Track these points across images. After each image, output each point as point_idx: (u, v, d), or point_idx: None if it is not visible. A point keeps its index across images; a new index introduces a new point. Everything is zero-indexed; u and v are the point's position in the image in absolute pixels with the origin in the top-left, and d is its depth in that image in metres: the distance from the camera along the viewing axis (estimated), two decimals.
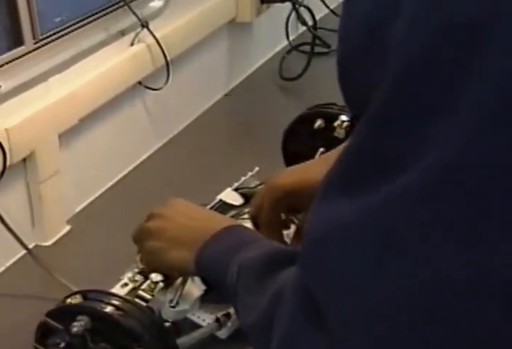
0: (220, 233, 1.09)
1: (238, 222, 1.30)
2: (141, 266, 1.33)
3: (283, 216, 1.37)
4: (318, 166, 1.31)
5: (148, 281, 1.35)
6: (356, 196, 0.64)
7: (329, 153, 1.40)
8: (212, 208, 1.55)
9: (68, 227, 1.72)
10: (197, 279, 1.33)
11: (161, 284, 1.36)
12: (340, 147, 1.34)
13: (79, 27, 1.76)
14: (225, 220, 1.20)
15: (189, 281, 1.31)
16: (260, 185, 1.59)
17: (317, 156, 1.64)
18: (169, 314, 1.28)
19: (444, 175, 0.59)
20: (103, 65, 1.83)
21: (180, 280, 1.33)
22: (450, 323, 0.61)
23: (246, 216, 1.55)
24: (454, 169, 0.59)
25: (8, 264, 1.59)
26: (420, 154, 0.60)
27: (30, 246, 1.60)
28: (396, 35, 0.61)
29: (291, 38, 2.59)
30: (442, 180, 0.60)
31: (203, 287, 1.35)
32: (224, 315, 1.33)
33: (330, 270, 0.66)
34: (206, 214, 1.25)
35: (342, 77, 0.71)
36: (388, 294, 0.63)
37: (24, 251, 1.58)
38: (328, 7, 2.80)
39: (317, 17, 2.59)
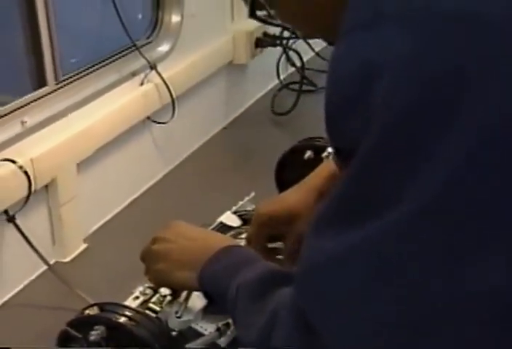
0: (220, 252, 1.07)
1: (237, 241, 1.30)
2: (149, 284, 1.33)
3: (270, 244, 1.37)
4: (295, 194, 1.35)
5: (157, 295, 1.35)
6: (344, 231, 0.64)
7: (302, 182, 1.40)
8: (213, 229, 1.55)
9: (84, 245, 1.71)
10: (200, 293, 1.33)
11: (168, 297, 1.36)
12: (309, 178, 1.39)
13: (96, 70, 1.78)
14: (223, 240, 1.18)
15: (193, 295, 1.31)
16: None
17: None
18: (175, 324, 1.27)
19: (422, 215, 0.60)
20: (116, 102, 1.83)
21: (184, 294, 1.33)
22: (435, 341, 0.62)
23: (244, 236, 1.55)
24: (431, 210, 0.60)
25: (31, 278, 1.58)
26: (402, 196, 0.61)
27: (51, 262, 1.59)
28: (380, 93, 0.62)
29: (281, 77, 2.59)
30: (421, 219, 0.60)
31: (205, 300, 1.35)
32: (224, 324, 1.32)
33: (323, 295, 0.66)
34: (205, 234, 1.22)
35: (329, 124, 0.71)
36: (376, 317, 0.63)
37: (45, 267, 1.57)
38: (314, 51, 2.81)
39: (304, 59, 2.60)
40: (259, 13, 0.85)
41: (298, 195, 1.32)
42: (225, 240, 1.16)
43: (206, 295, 1.18)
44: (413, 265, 0.61)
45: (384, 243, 0.62)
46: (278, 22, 0.87)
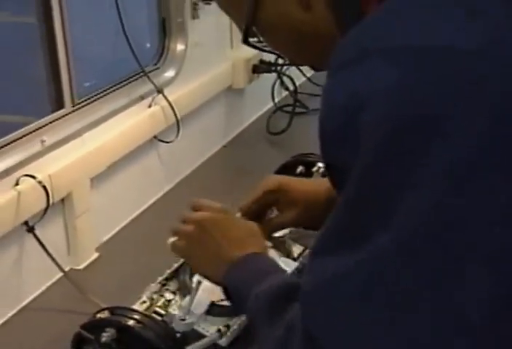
0: (243, 261, 1.01)
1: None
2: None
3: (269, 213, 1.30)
4: (318, 183, 1.28)
5: (163, 299, 1.35)
6: (342, 255, 0.63)
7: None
8: None
9: (96, 254, 1.71)
10: (201, 298, 1.32)
11: (173, 302, 1.36)
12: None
13: (108, 94, 1.78)
14: (252, 245, 1.06)
15: (195, 300, 1.31)
16: None
17: None
18: (179, 326, 1.27)
19: (410, 240, 0.60)
20: (127, 123, 1.83)
21: (187, 298, 1.33)
22: None
23: None
24: (417, 234, 0.60)
25: (48, 284, 1.57)
26: (390, 222, 0.60)
27: (66, 270, 1.59)
28: (365, 123, 0.61)
29: (276, 100, 2.59)
30: (409, 243, 0.60)
31: (207, 304, 1.35)
32: (224, 326, 1.32)
33: (323, 316, 0.65)
34: (239, 235, 1.09)
35: (322, 149, 0.70)
36: (372, 335, 0.62)
37: (61, 274, 1.56)
38: (306, 76, 2.82)
39: (297, 84, 2.61)
40: (251, 40, 0.85)
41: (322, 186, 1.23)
42: (255, 248, 1.05)
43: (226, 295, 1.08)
44: (403, 287, 0.60)
45: (375, 267, 0.61)
46: (269, 48, 0.87)
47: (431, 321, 0.60)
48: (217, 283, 1.05)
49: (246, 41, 0.84)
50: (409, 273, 0.60)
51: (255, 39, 0.85)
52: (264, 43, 0.85)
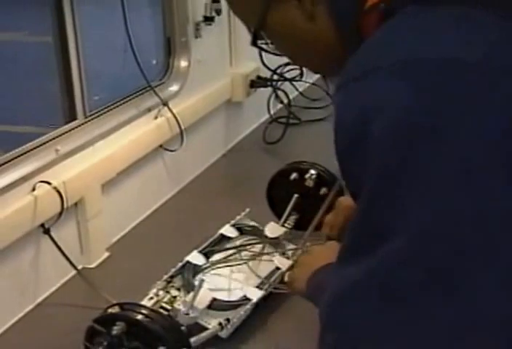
0: (321, 270, 1.03)
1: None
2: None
3: None
4: None
5: (168, 296, 1.35)
6: (361, 261, 0.62)
7: None
8: (214, 241, 1.55)
9: (107, 254, 1.70)
10: (203, 294, 1.32)
11: (177, 298, 1.36)
12: None
13: (117, 106, 1.78)
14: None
15: (198, 296, 1.30)
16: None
17: (292, 201, 1.65)
18: (184, 320, 1.27)
19: (424, 241, 0.58)
20: (134, 133, 1.83)
21: (191, 294, 1.32)
22: None
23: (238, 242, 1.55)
24: (431, 237, 0.58)
25: (62, 281, 1.57)
26: (405, 226, 0.59)
27: (79, 268, 1.58)
28: (374, 135, 0.60)
29: (271, 112, 2.59)
30: (422, 245, 0.58)
31: (209, 300, 1.34)
32: (225, 319, 1.32)
33: (346, 318, 0.63)
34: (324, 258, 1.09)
35: (339, 162, 0.68)
36: (393, 339, 0.60)
37: (74, 272, 1.56)
38: (298, 91, 2.83)
39: (291, 98, 2.61)
40: (259, 42, 0.84)
41: None
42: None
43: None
44: (420, 288, 0.58)
45: (391, 271, 0.59)
46: (275, 51, 0.85)
47: (448, 320, 0.58)
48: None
49: (254, 43, 0.84)
50: (425, 274, 0.58)
51: (263, 41, 0.84)
52: (270, 46, 0.85)
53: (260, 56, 2.45)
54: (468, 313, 0.57)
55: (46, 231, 1.48)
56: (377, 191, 0.61)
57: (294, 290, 1.14)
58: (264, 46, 0.84)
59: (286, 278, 1.19)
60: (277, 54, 0.87)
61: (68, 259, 1.51)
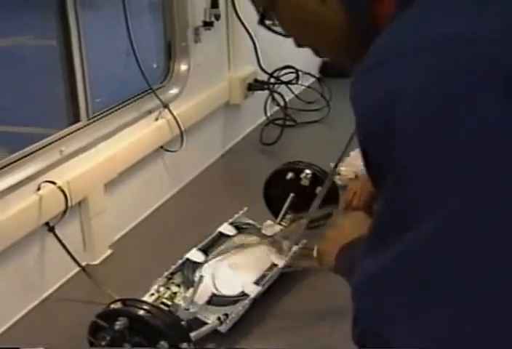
0: (348, 246, 0.96)
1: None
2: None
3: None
4: None
5: (169, 292, 1.35)
6: (389, 246, 0.59)
7: None
8: (213, 238, 1.54)
9: (109, 251, 1.69)
10: (203, 290, 1.32)
11: (178, 294, 1.36)
12: None
13: (119, 109, 1.78)
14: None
15: (197, 292, 1.30)
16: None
17: (289, 200, 1.65)
18: (184, 315, 1.27)
19: (458, 224, 0.55)
20: (136, 134, 1.82)
21: (191, 290, 1.32)
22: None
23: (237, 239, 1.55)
24: (462, 220, 0.55)
25: (67, 277, 1.56)
26: (434, 209, 0.55)
27: (83, 265, 1.57)
28: (399, 116, 0.57)
29: (268, 114, 2.59)
30: (455, 227, 0.55)
31: (208, 295, 1.34)
32: (224, 315, 1.32)
33: (377, 305, 0.60)
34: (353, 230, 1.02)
35: (362, 148, 0.65)
36: (423, 323, 0.56)
37: (78, 269, 1.55)
38: (294, 93, 2.83)
39: (287, 100, 2.61)
40: (267, 22, 0.81)
41: None
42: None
43: None
44: (451, 271, 0.55)
45: (421, 255, 0.56)
46: (282, 31, 0.82)
47: (484, 303, 0.54)
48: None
49: (262, 23, 0.80)
50: (455, 257, 0.55)
51: (270, 22, 0.81)
52: (277, 27, 0.81)
53: (257, 60, 2.46)
54: (502, 297, 0.54)
55: (51, 229, 1.47)
56: (407, 174, 0.58)
57: (323, 265, 1.07)
58: (272, 26, 0.81)
59: (314, 253, 1.12)
60: (283, 35, 0.83)
61: (71, 256, 1.51)
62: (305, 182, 1.67)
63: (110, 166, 1.69)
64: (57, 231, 1.48)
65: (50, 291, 1.51)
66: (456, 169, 0.55)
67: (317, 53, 0.82)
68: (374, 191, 1.14)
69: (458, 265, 0.55)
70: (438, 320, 0.55)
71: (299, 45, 0.82)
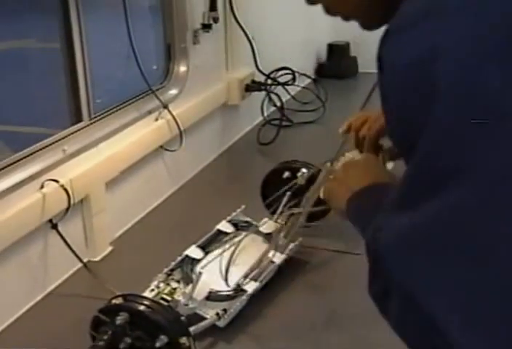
0: (361, 192, 0.88)
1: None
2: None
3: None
4: None
5: (169, 288, 1.35)
6: (422, 205, 0.56)
7: None
8: (211, 236, 1.55)
9: (110, 248, 1.70)
10: (202, 286, 1.33)
11: (177, 290, 1.36)
12: None
13: (120, 109, 1.78)
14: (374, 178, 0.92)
15: (196, 287, 1.31)
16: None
17: (285, 198, 1.65)
18: (183, 310, 1.27)
19: (490, 191, 0.52)
20: (136, 134, 1.83)
21: (190, 286, 1.33)
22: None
23: (237, 239, 1.55)
24: (497, 186, 0.52)
25: (69, 273, 1.57)
26: (469, 173, 0.53)
27: (85, 261, 1.58)
28: (439, 74, 0.54)
29: (265, 115, 2.60)
30: (488, 192, 0.52)
31: (206, 291, 1.35)
32: (222, 310, 1.32)
33: (406, 264, 0.57)
34: (368, 172, 0.95)
35: (388, 108, 0.62)
36: (456, 281, 0.54)
37: (80, 265, 1.56)
38: (290, 94, 2.83)
39: (283, 101, 2.62)
40: None
41: None
42: (374, 180, 0.91)
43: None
44: (482, 236, 0.53)
45: (454, 218, 0.54)
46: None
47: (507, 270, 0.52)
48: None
49: None
50: (489, 222, 0.53)
51: None
52: None
53: (255, 61, 2.47)
54: None
55: (54, 226, 1.48)
56: (445, 132, 0.54)
57: (332, 207, 1.00)
58: None
59: (321, 194, 1.04)
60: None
61: (74, 252, 1.52)
62: (301, 181, 1.67)
63: (111, 165, 1.70)
64: (59, 228, 1.49)
65: (53, 286, 1.52)
66: (503, 133, 0.52)
67: (346, 12, 0.77)
68: (384, 128, 1.07)
69: (495, 229, 0.52)
70: (471, 281, 0.53)
71: (311, 2, 0.77)
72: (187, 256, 1.46)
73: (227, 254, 1.50)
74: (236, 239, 1.55)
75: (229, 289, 1.38)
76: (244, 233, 1.55)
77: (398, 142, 0.65)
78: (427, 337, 0.57)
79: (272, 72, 2.58)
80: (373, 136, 1.17)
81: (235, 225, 1.62)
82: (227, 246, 1.53)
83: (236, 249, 1.47)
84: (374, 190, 0.88)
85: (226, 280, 1.36)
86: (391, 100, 0.61)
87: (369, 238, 0.65)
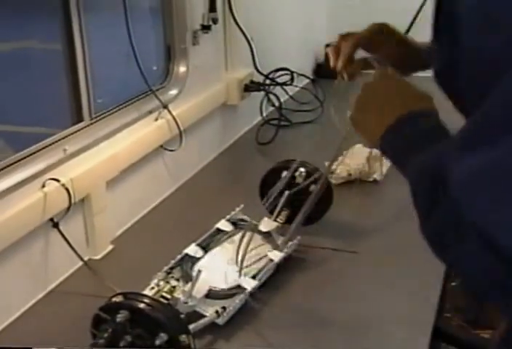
0: (401, 123, 0.80)
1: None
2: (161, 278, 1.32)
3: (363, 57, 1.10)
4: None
5: (168, 286, 1.35)
6: (501, 142, 0.54)
7: None
8: (211, 234, 1.55)
9: (111, 247, 1.70)
10: (201, 284, 1.32)
11: (177, 287, 1.36)
12: None
13: (121, 109, 1.78)
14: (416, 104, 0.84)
15: (196, 286, 1.31)
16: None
17: (284, 197, 1.65)
18: (183, 308, 1.27)
19: None
20: (136, 134, 1.83)
21: (189, 284, 1.33)
22: None
23: (236, 237, 1.55)
24: None
25: (70, 272, 1.57)
26: None
27: (86, 259, 1.58)
28: None
29: (264, 115, 2.60)
30: None
31: (206, 289, 1.35)
32: (221, 308, 1.32)
33: (481, 201, 0.55)
34: (400, 94, 0.86)
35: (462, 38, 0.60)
36: None
37: (81, 263, 1.56)
38: (288, 94, 2.83)
39: (282, 101, 2.62)
40: None
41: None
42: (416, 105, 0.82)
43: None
44: None
45: None
46: None
47: None
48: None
49: None
50: None
51: None
52: None
53: (254, 62, 2.46)
54: None
55: (55, 225, 1.48)
56: None
57: (363, 135, 0.91)
58: None
59: (349, 120, 0.93)
60: None
61: (75, 251, 1.52)
62: (299, 180, 1.68)
63: (111, 164, 1.70)
64: (60, 227, 1.49)
65: (54, 284, 1.52)
66: None
67: None
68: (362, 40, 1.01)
69: None
70: None
71: None
72: (186, 254, 1.46)
73: (226, 253, 1.50)
74: (236, 237, 1.56)
75: (228, 287, 1.38)
76: (242, 232, 1.55)
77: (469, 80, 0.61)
78: (498, 278, 0.55)
79: (270, 72, 2.58)
80: (350, 47, 1.09)
81: (234, 223, 1.61)
82: (226, 244, 1.54)
83: (239, 247, 1.46)
84: (412, 120, 0.79)
85: (241, 269, 1.36)
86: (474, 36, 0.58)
87: (425, 176, 0.62)
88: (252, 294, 1.38)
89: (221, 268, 1.44)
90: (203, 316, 1.31)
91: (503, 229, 0.53)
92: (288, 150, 2.30)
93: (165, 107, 1.93)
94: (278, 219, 1.63)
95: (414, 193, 0.68)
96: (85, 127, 1.63)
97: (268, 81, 2.55)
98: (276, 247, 1.53)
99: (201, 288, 1.33)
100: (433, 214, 0.61)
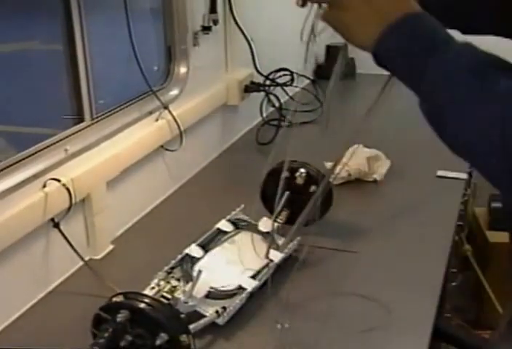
0: (403, 22, 0.68)
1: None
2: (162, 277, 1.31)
3: None
4: None
5: (169, 285, 1.35)
6: None
7: None
8: (211, 234, 1.55)
9: (111, 246, 1.70)
10: (201, 284, 1.32)
11: (177, 287, 1.36)
12: None
13: (121, 109, 1.78)
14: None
15: (196, 286, 1.31)
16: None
17: (284, 197, 1.65)
18: (183, 308, 1.27)
19: None
20: (137, 134, 1.82)
21: (190, 284, 1.32)
22: None
23: (236, 237, 1.55)
24: None
25: (71, 271, 1.57)
26: None
27: (86, 259, 1.58)
28: None
29: (264, 115, 2.59)
30: None
31: (206, 289, 1.34)
32: (221, 308, 1.32)
33: None
34: None
35: None
36: None
37: (82, 263, 1.56)
38: (288, 95, 2.82)
39: (282, 101, 2.61)
40: None
41: None
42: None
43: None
44: None
45: None
46: None
47: None
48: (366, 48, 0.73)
49: None
50: None
51: None
52: None
53: (254, 62, 2.46)
54: None
55: (56, 225, 1.48)
56: None
57: (347, 40, 0.80)
58: None
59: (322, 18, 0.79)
60: None
61: (75, 251, 1.51)
62: (299, 181, 1.67)
63: (112, 164, 1.69)
64: (61, 227, 1.48)
65: (55, 284, 1.52)
66: None
67: None
68: None
69: None
70: None
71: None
72: (187, 254, 1.45)
73: (226, 253, 1.50)
74: (236, 237, 1.55)
75: (228, 287, 1.37)
76: (242, 232, 1.55)
77: None
78: None
79: (271, 73, 2.57)
80: None
81: (234, 223, 1.61)
82: (226, 244, 1.53)
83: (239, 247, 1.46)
84: (421, 20, 0.67)
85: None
86: None
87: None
88: (252, 294, 1.38)
89: (221, 268, 1.44)
90: (203, 316, 1.31)
91: None
92: (288, 150, 2.29)
93: (166, 107, 1.92)
94: (278, 220, 1.62)
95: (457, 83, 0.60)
96: (86, 127, 1.63)
97: (268, 82, 2.54)
98: (276, 247, 1.53)
99: (201, 288, 1.32)
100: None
